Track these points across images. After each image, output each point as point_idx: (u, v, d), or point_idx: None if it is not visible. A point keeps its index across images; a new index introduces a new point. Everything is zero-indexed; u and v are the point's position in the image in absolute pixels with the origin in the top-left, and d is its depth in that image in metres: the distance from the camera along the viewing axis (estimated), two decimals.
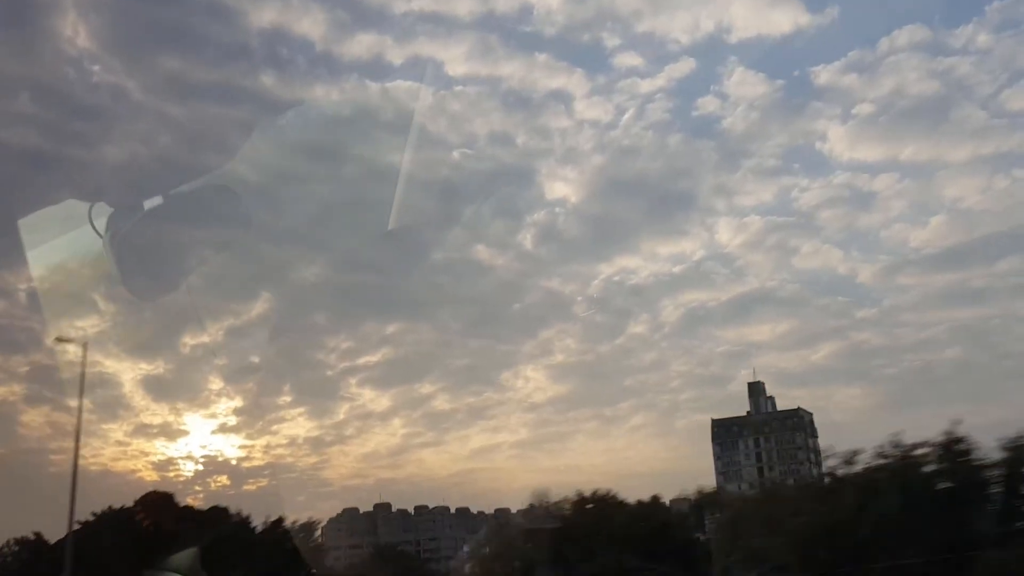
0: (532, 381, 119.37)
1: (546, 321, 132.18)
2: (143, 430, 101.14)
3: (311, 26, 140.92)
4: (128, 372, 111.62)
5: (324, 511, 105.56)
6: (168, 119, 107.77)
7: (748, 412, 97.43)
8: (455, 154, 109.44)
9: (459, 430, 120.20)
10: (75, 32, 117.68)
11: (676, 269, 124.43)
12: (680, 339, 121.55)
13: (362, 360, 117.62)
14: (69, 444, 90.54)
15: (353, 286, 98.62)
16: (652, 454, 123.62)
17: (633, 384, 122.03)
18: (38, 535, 52.71)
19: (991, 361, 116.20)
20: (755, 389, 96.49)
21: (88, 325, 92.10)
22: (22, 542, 54.40)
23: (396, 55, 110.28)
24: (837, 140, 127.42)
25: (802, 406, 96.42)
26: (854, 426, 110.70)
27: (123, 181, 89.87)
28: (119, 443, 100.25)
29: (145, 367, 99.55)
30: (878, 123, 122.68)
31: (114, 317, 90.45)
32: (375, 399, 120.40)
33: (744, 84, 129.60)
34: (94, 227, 12.77)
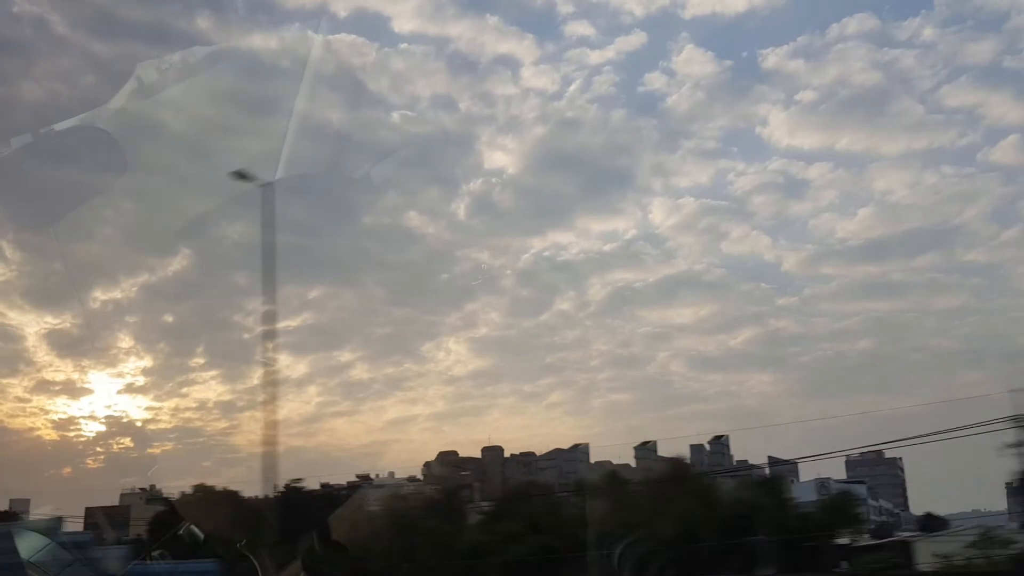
0: (453, 353, 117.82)
1: (473, 293, 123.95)
2: (45, 386, 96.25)
3: None
4: (32, 325, 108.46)
5: (228, 478, 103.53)
6: (93, 57, 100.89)
7: None
8: (395, 115, 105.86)
9: (375, 400, 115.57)
10: None
11: (607, 247, 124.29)
12: (604, 318, 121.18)
13: (281, 324, 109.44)
14: None
15: (277, 247, 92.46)
16: (566, 432, 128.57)
17: (554, 361, 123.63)
18: None
19: (901, 354, 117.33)
20: None
21: None
22: None
23: (342, 6, 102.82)
24: (777, 125, 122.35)
25: (718, 390, 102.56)
26: (763, 412, 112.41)
27: (41, 120, 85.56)
28: (18, 399, 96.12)
29: (51, 320, 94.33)
30: (819, 111, 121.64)
31: (20, 266, 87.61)
32: (291, 365, 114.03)
33: (692, 62, 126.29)
34: None
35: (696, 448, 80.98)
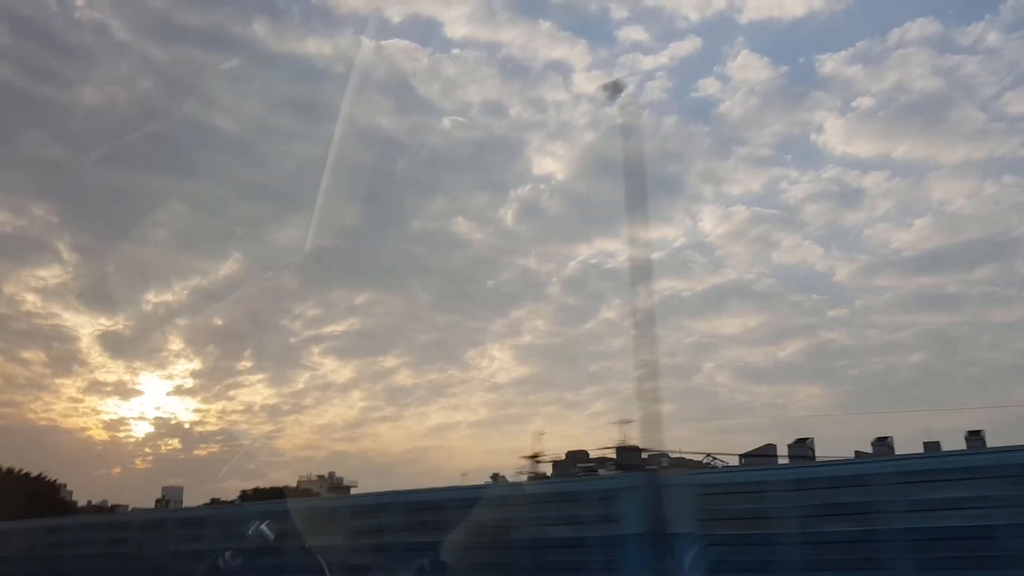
0: (497, 361, 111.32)
1: (518, 300, 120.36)
2: (97, 387, 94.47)
3: None
4: (87, 326, 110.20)
5: (272, 480, 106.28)
6: (151, 62, 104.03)
7: None
8: (446, 121, 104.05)
9: (419, 406, 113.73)
10: None
11: (655, 255, 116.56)
12: (650, 327, 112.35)
13: (328, 329, 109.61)
14: (20, 397, 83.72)
15: (327, 251, 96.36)
16: (607, 441, 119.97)
17: (598, 370, 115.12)
18: None
19: (955, 368, 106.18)
20: None
21: (50, 275, 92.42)
22: None
23: (396, 12, 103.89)
24: (833, 133, 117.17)
25: (764, 402, 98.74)
26: (809, 425, 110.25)
27: (99, 125, 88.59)
28: (71, 399, 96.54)
29: (104, 322, 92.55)
30: (876, 118, 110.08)
31: (76, 268, 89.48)
32: (336, 370, 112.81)
33: (747, 68, 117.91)
34: None
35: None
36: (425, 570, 10.96)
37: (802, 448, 65.92)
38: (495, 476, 71.49)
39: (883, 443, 73.75)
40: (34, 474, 51.49)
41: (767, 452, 60.03)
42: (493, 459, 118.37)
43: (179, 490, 66.50)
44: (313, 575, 12.99)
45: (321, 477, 76.70)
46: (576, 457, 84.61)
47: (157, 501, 62.33)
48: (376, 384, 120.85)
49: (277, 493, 52.57)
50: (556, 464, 79.67)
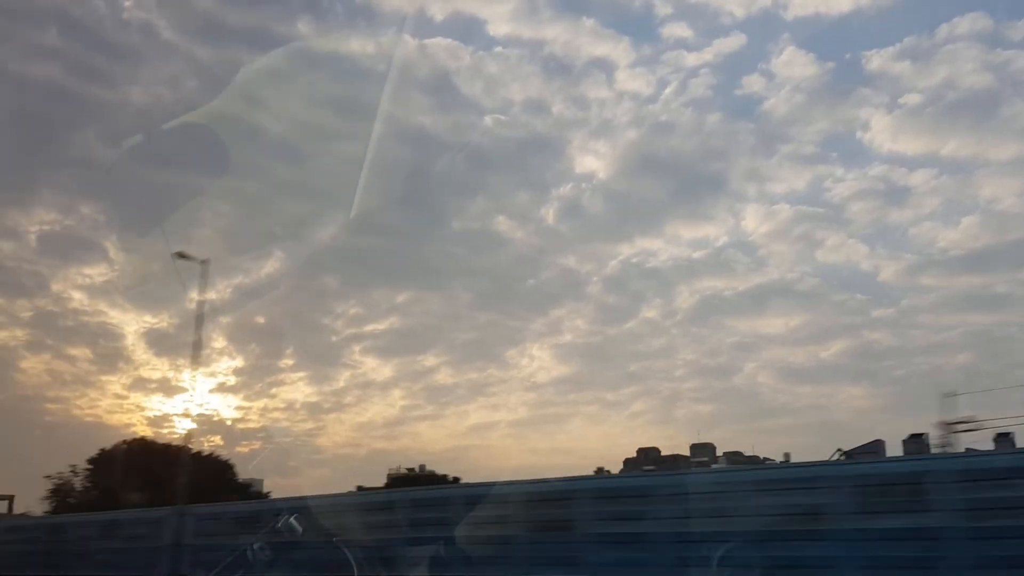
0: (537, 360, 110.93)
1: (559, 299, 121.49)
2: (142, 384, 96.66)
3: None
4: (132, 324, 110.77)
5: (313, 478, 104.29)
6: (196, 62, 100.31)
7: None
8: (487, 119, 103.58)
9: (458, 405, 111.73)
10: None
11: (697, 254, 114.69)
12: (691, 327, 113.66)
13: (368, 328, 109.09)
14: (67, 394, 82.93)
15: (368, 250, 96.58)
16: (648, 442, 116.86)
17: (638, 370, 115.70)
18: None
19: (1001, 370, 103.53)
20: None
21: (96, 273, 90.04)
22: None
23: (438, 10, 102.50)
24: (880, 130, 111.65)
25: (806, 403, 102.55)
26: (852, 426, 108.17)
27: (146, 125, 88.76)
28: (117, 396, 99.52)
29: (150, 320, 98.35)
30: (924, 114, 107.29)
31: (123, 266, 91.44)
32: (377, 368, 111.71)
33: (793, 64, 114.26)
34: None
35: None
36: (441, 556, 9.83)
37: (917, 444, 61.02)
38: (599, 470, 69.68)
39: (1006, 439, 68.79)
40: (205, 452, 51.98)
41: (873, 449, 56.07)
42: (532, 459, 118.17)
43: (259, 482, 67.03)
44: (342, 569, 11.99)
45: (411, 470, 77.06)
46: (648, 453, 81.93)
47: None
48: (416, 383, 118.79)
49: (428, 479, 58.52)
50: (627, 462, 77.28)
